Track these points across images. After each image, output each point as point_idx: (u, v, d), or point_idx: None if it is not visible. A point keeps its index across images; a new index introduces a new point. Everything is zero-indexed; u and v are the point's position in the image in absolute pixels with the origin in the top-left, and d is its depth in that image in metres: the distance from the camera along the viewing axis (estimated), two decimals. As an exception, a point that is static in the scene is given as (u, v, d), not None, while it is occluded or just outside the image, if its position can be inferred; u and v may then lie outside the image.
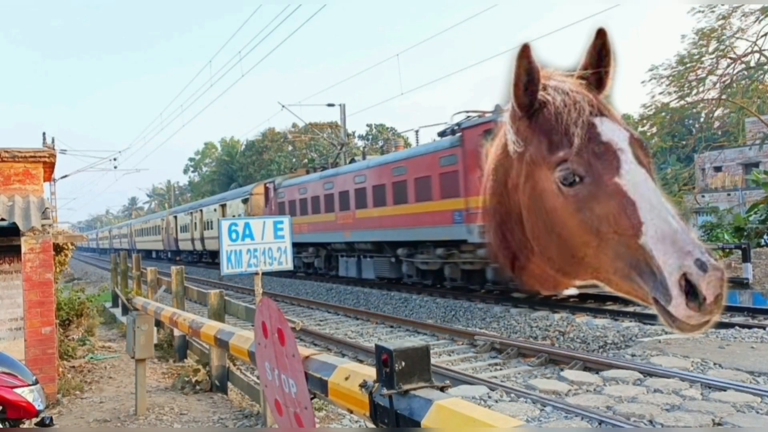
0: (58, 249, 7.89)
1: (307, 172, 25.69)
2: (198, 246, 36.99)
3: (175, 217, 43.50)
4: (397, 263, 17.87)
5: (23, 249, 6.55)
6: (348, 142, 26.82)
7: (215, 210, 34.39)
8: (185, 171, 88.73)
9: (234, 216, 29.13)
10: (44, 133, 31.93)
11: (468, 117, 15.17)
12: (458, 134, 14.54)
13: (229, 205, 32.47)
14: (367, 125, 58.57)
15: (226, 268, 5.34)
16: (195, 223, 37.24)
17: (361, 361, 8.85)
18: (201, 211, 36.97)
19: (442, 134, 16.10)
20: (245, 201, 29.78)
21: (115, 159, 38.95)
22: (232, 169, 66.90)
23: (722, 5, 24.77)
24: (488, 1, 52.95)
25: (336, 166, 23.91)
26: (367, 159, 21.14)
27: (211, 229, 33.56)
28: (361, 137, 57.64)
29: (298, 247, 23.32)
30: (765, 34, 24.36)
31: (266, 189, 26.62)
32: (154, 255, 53.07)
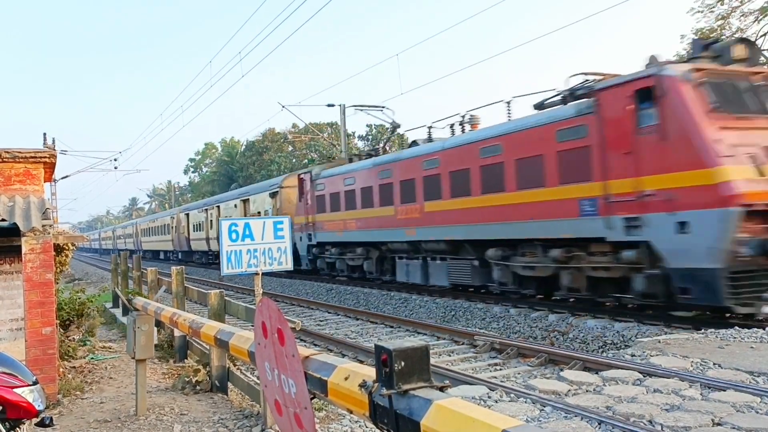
0: (58, 249, 7.90)
1: (350, 161, 22.01)
2: (214, 246, 33.96)
3: (187, 214, 40.32)
4: (481, 267, 14.38)
5: (24, 249, 6.56)
6: (398, 125, 22.45)
7: (235, 206, 31.44)
8: (185, 171, 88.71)
9: (260, 212, 27.10)
10: (45, 134, 32.05)
11: (588, 80, 11.89)
12: (589, 98, 11.18)
13: (252, 200, 29.33)
14: (367, 125, 58.58)
15: (226, 269, 5.36)
16: (211, 221, 34.65)
17: (361, 362, 8.86)
18: (218, 207, 34.07)
19: (539, 107, 12.96)
20: (273, 195, 26.41)
21: (115, 159, 39.05)
22: (232, 170, 66.92)
23: (721, 5, 24.79)
24: (488, 1, 53.01)
25: (383, 153, 20.73)
26: (440, 140, 16.57)
27: (231, 227, 31.99)
28: (361, 137, 57.66)
29: (341, 247, 20.98)
30: (764, 34, 24.38)
31: (300, 181, 23.25)
32: (162, 256, 50.28)
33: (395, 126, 22.09)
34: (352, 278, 20.77)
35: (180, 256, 43.89)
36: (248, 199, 29.88)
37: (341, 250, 20.90)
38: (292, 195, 24.61)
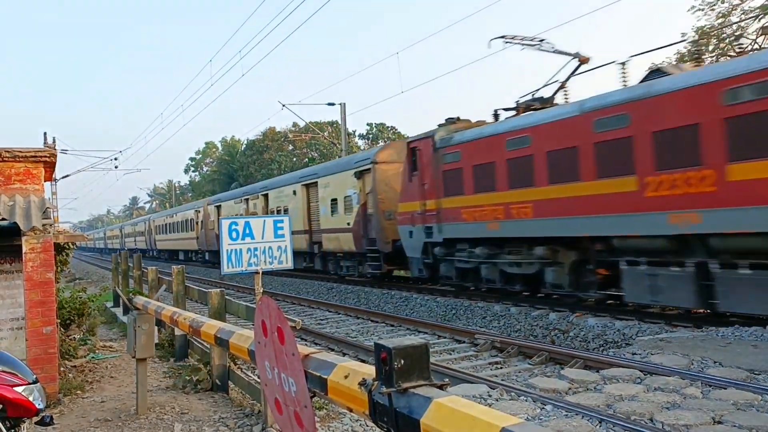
0: (59, 248, 7.90)
1: (496, 117, 14.54)
2: None
3: (218, 206, 33.19)
4: None
5: (24, 249, 6.56)
6: (587, 59, 13.59)
7: (294, 193, 23.81)
8: (186, 170, 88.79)
9: (336, 199, 20.89)
10: (45, 133, 32.00)
11: None
12: None
13: (324, 183, 21.71)
14: (368, 124, 58.61)
15: (226, 268, 5.36)
16: (255, 214, 26.79)
17: (363, 361, 8.86)
18: (265, 195, 26.71)
19: None
20: (360, 175, 19.42)
21: (116, 159, 39.20)
22: (233, 169, 67.00)
23: (722, 3, 24.79)
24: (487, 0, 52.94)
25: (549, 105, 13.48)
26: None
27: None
28: (361, 136, 57.69)
29: (491, 246, 13.70)
30: (765, 33, 24.35)
31: (412, 151, 16.14)
32: (182, 257, 42.56)
33: (582, 60, 13.48)
34: (510, 294, 13.70)
35: (207, 257, 35.75)
36: (316, 182, 22.32)
37: (490, 251, 13.74)
38: (392, 174, 18.30)
